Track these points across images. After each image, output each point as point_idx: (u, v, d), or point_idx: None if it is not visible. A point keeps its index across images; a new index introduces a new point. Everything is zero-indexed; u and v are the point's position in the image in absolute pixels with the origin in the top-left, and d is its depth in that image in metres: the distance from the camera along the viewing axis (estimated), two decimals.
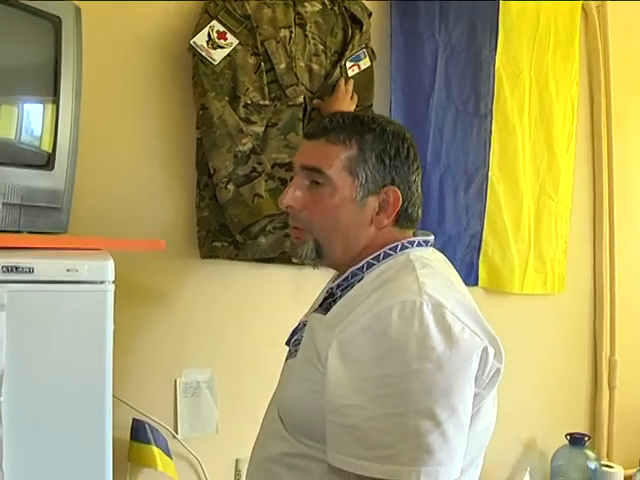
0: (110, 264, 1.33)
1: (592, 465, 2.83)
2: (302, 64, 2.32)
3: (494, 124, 2.80)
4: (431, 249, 1.46)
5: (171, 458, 2.12)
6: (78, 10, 1.55)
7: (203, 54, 2.16)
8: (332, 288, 1.44)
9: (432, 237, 1.47)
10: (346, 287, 1.41)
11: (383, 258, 1.39)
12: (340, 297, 1.40)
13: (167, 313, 2.22)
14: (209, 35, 2.17)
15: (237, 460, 2.32)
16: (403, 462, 1.18)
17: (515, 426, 2.86)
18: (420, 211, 1.46)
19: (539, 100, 2.96)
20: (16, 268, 1.24)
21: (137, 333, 2.14)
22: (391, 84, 2.53)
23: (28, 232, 1.45)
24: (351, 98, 2.38)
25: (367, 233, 1.41)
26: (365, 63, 2.46)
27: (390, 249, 1.39)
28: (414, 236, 1.44)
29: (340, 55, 2.42)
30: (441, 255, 1.49)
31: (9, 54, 1.45)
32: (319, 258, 1.44)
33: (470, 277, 2.76)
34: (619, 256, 3.19)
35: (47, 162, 1.48)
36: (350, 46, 2.42)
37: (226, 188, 2.15)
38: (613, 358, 3.18)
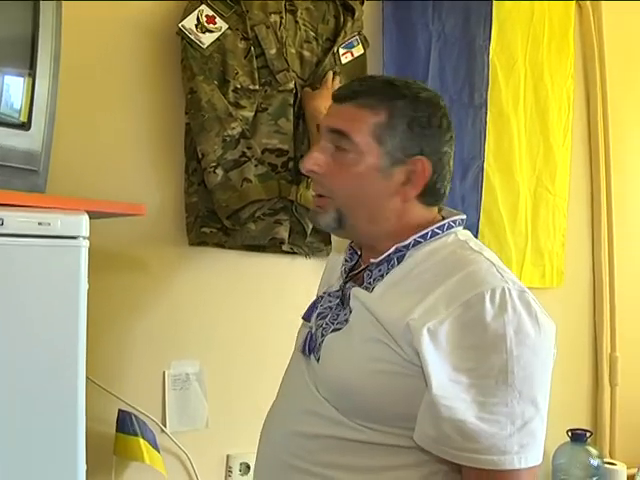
0: (84, 218, 1.28)
1: (595, 462, 2.76)
2: (293, 50, 2.29)
3: (489, 115, 2.76)
4: (467, 230, 1.44)
5: (159, 452, 2.05)
6: None
7: (192, 37, 2.12)
8: (373, 264, 1.37)
9: (465, 216, 1.44)
10: (379, 265, 1.37)
11: (431, 237, 1.35)
12: (380, 271, 1.36)
13: (155, 302, 2.16)
14: (198, 19, 2.14)
15: (228, 456, 2.26)
16: (512, 450, 1.19)
17: None
18: (449, 187, 1.42)
19: (534, 92, 2.93)
20: None
21: (124, 323, 2.09)
22: (384, 73, 2.48)
23: None
24: None
25: (393, 205, 1.36)
26: (358, 50, 2.42)
27: (438, 228, 1.36)
28: (439, 213, 1.43)
29: (332, 42, 2.38)
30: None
31: None
32: (341, 228, 1.39)
33: None
34: (618, 249, 3.15)
35: (24, 122, 1.43)
36: (342, 33, 2.38)
37: (214, 172, 2.11)
38: (614, 354, 3.12)
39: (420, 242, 1.35)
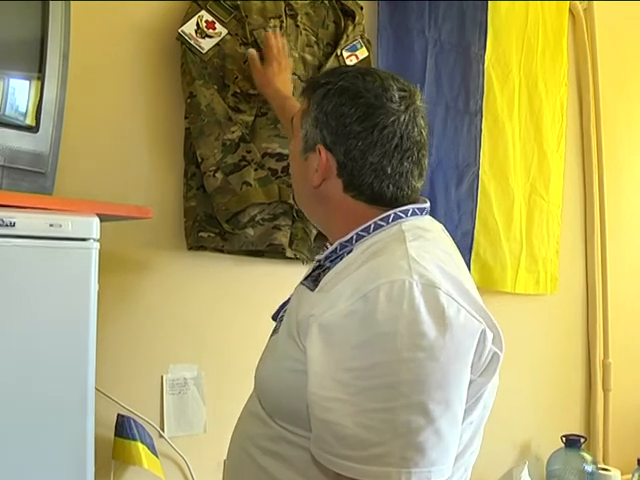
0: (95, 221, 1.28)
1: (589, 468, 2.77)
2: (295, 54, 2.30)
3: (484, 122, 2.78)
4: (428, 217, 1.35)
5: (157, 457, 2.05)
6: None
7: (191, 42, 2.13)
8: (320, 260, 1.36)
9: (428, 204, 1.35)
10: (335, 259, 1.32)
11: (374, 229, 1.30)
12: (329, 269, 1.32)
13: (153, 306, 2.15)
14: (198, 24, 2.14)
15: (225, 461, 2.25)
16: (392, 462, 1.08)
17: (509, 429, 2.81)
18: (391, 187, 1.30)
19: (528, 100, 2.95)
20: None
21: (123, 326, 2.08)
22: None
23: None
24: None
25: (312, 190, 1.35)
26: (362, 53, 2.43)
27: (381, 220, 1.30)
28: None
29: (333, 47, 2.39)
30: (439, 224, 1.39)
31: None
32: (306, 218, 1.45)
33: None
34: (611, 256, 3.17)
35: (32, 124, 1.42)
36: (344, 36, 2.39)
37: (214, 176, 2.11)
38: (607, 360, 3.14)
39: (363, 235, 1.30)
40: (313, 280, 1.34)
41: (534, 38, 2.98)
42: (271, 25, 2.24)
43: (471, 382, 1.16)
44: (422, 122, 1.33)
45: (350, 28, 2.41)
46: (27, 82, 1.49)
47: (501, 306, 2.80)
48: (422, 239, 1.25)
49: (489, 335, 1.17)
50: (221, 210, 2.11)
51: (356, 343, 1.11)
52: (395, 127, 1.28)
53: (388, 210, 1.31)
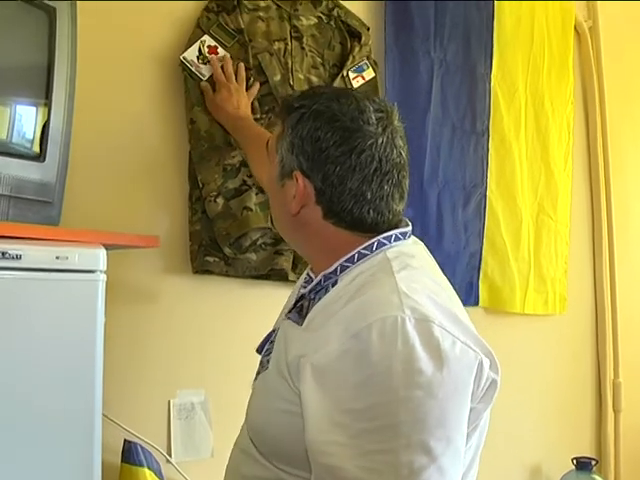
0: (102, 253, 1.27)
1: None
2: (301, 76, 2.28)
3: (491, 142, 2.78)
4: (412, 240, 1.32)
5: None
6: (74, 1, 1.50)
7: (192, 69, 2.12)
8: (304, 293, 1.33)
9: (409, 227, 1.32)
10: (319, 290, 1.29)
11: (358, 259, 1.26)
12: (314, 300, 1.29)
13: (160, 331, 2.13)
14: (200, 50, 2.14)
15: None
16: None
17: (519, 451, 2.80)
18: (371, 212, 1.26)
19: (535, 119, 2.95)
20: (3, 254, 1.17)
21: (129, 351, 2.06)
22: (385, 99, 2.49)
23: None
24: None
25: (290, 219, 1.31)
26: (369, 74, 2.41)
27: (365, 248, 1.26)
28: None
29: (339, 68, 2.38)
30: (422, 246, 1.36)
31: (2, 42, 1.39)
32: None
33: (470, 297, 2.70)
34: (620, 275, 3.16)
35: (39, 153, 1.42)
36: (350, 57, 2.38)
37: (215, 202, 2.10)
38: (617, 380, 3.13)
39: (348, 266, 1.26)
40: (298, 312, 1.32)
41: (540, 57, 2.99)
42: (275, 48, 2.24)
43: (471, 410, 1.15)
44: (401, 142, 1.29)
45: (356, 49, 2.40)
46: (34, 109, 1.49)
47: (509, 326, 2.82)
48: (409, 268, 1.22)
49: (486, 364, 1.15)
50: (222, 235, 2.10)
51: (352, 384, 1.09)
52: (373, 150, 1.25)
53: (370, 236, 1.28)
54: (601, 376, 3.14)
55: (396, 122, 1.30)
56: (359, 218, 1.26)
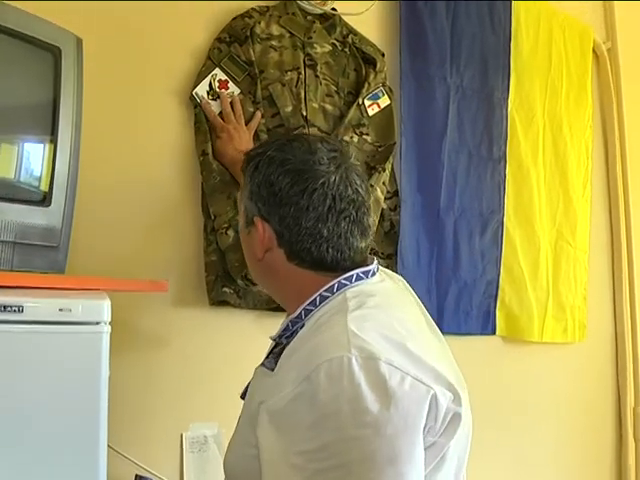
0: (106, 304, 1.24)
1: None
2: (315, 105, 2.27)
3: (508, 168, 2.74)
4: (377, 277, 1.34)
5: None
6: (80, 41, 1.49)
7: (202, 104, 2.13)
8: (275, 338, 1.37)
9: (373, 265, 1.34)
10: (290, 335, 1.31)
11: (320, 302, 1.28)
12: (287, 344, 1.30)
13: (174, 363, 2.12)
14: (210, 85, 2.14)
15: None
16: None
17: None
18: (330, 250, 1.29)
19: (553, 144, 2.91)
20: (4, 307, 1.15)
21: (142, 384, 2.05)
22: (401, 127, 2.46)
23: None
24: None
25: (257, 263, 1.36)
26: (384, 101, 2.40)
27: (326, 290, 1.28)
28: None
29: (354, 96, 2.37)
30: (390, 282, 1.39)
31: (6, 85, 1.39)
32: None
33: (487, 326, 2.66)
34: None
35: (44, 198, 1.41)
36: (366, 85, 2.37)
37: (226, 234, 2.09)
38: (638, 408, 3.07)
39: (311, 310, 1.28)
40: (274, 358, 1.33)
41: (558, 80, 2.95)
42: (287, 78, 2.22)
43: (432, 444, 1.16)
44: (357, 180, 1.32)
45: (372, 76, 2.38)
46: (40, 148, 1.49)
47: (527, 355, 2.79)
48: (364, 307, 1.24)
49: (443, 397, 1.15)
50: (234, 267, 2.09)
51: (305, 426, 1.11)
52: (325, 189, 1.28)
53: (334, 276, 1.30)
54: (621, 404, 3.08)
55: (351, 160, 1.35)
56: (319, 257, 1.30)
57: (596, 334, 3.02)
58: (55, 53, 1.43)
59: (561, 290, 2.88)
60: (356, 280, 1.30)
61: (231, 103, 2.14)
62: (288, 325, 1.32)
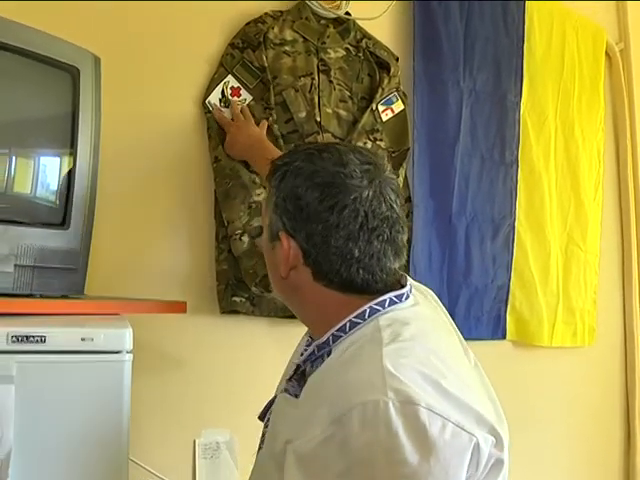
0: (128, 332, 1.24)
1: None
2: (329, 110, 2.26)
3: (520, 172, 2.74)
4: (410, 301, 1.24)
5: None
6: (97, 60, 1.49)
7: (214, 111, 2.14)
8: (300, 363, 1.29)
9: (406, 288, 1.24)
10: (316, 359, 1.25)
11: (350, 328, 1.19)
12: (312, 368, 1.25)
13: (186, 371, 2.13)
14: (223, 92, 2.15)
15: None
16: None
17: None
18: (361, 272, 1.20)
19: (565, 147, 2.90)
20: (27, 337, 1.15)
21: (154, 391, 2.06)
22: (414, 131, 2.45)
23: (41, 296, 1.37)
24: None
25: (285, 283, 1.26)
26: (398, 106, 2.40)
27: (357, 317, 1.19)
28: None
29: (368, 101, 2.36)
30: (423, 306, 1.28)
31: (26, 106, 1.40)
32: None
33: (498, 330, 2.66)
34: None
35: (62, 221, 1.40)
36: (380, 90, 2.36)
37: (240, 240, 2.09)
38: None
39: (340, 336, 1.20)
40: (297, 380, 1.28)
41: (570, 82, 2.94)
42: (300, 84, 2.22)
43: None
44: (392, 195, 1.22)
45: (385, 81, 2.38)
46: (58, 167, 1.48)
47: (537, 359, 2.79)
48: (399, 339, 1.14)
49: (485, 444, 1.07)
50: (249, 274, 2.09)
51: (335, 472, 1.04)
52: (357, 205, 1.18)
53: (363, 298, 1.21)
54: (630, 408, 3.08)
55: (386, 173, 1.24)
56: (348, 279, 1.21)
57: (605, 338, 3.02)
58: (73, 74, 1.43)
59: (571, 294, 2.88)
60: (389, 305, 1.20)
61: (241, 110, 2.14)
62: (314, 350, 1.24)
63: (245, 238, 2.09)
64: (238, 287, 2.14)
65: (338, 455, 1.03)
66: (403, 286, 1.25)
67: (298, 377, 1.29)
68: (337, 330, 1.20)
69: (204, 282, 2.16)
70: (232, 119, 2.13)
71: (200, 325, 2.15)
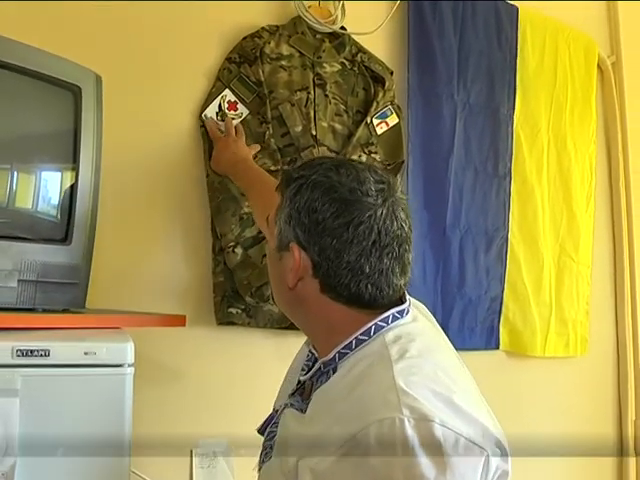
0: (129, 346, 1.28)
1: None
2: (325, 124, 2.29)
3: (513, 184, 2.76)
4: (410, 317, 1.27)
5: None
6: (99, 79, 1.52)
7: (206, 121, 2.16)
8: (305, 380, 1.31)
9: (406, 304, 1.27)
10: (321, 376, 1.27)
11: (356, 346, 1.22)
12: (316, 384, 1.27)
13: (183, 382, 2.15)
14: (220, 106, 2.17)
15: None
16: None
17: None
18: (369, 287, 1.23)
19: (557, 159, 2.92)
20: (31, 351, 1.18)
21: (152, 403, 2.07)
22: (409, 144, 2.48)
23: (43, 310, 1.40)
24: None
25: (291, 295, 1.27)
26: (393, 120, 2.42)
27: (363, 334, 1.22)
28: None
29: (362, 114, 2.39)
30: (421, 321, 1.31)
31: (30, 123, 1.42)
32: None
33: (491, 341, 2.69)
34: None
35: (65, 236, 1.43)
36: (374, 103, 2.38)
37: (234, 252, 2.12)
38: (639, 422, 3.09)
39: (346, 353, 1.22)
40: (300, 395, 1.31)
41: (563, 96, 2.96)
42: (296, 98, 2.25)
43: None
44: (402, 215, 1.24)
45: (380, 95, 2.40)
46: (59, 183, 1.50)
47: (530, 369, 2.81)
48: (407, 356, 1.18)
49: (494, 458, 1.11)
50: (243, 285, 2.12)
51: None
52: (372, 222, 1.20)
53: (368, 313, 1.24)
54: (622, 418, 3.11)
55: (398, 193, 1.26)
56: (357, 293, 1.23)
57: (598, 348, 3.04)
58: (75, 92, 1.46)
59: (564, 305, 2.90)
60: (392, 321, 1.24)
61: (235, 126, 2.16)
62: (320, 367, 1.26)
63: (238, 250, 2.12)
64: (234, 299, 2.16)
65: (355, 472, 1.06)
66: (403, 302, 1.28)
67: (301, 392, 1.31)
68: (343, 348, 1.23)
69: (201, 294, 2.18)
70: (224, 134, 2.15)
71: (198, 337, 2.17)
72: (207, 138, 2.15)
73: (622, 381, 3.12)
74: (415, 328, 1.26)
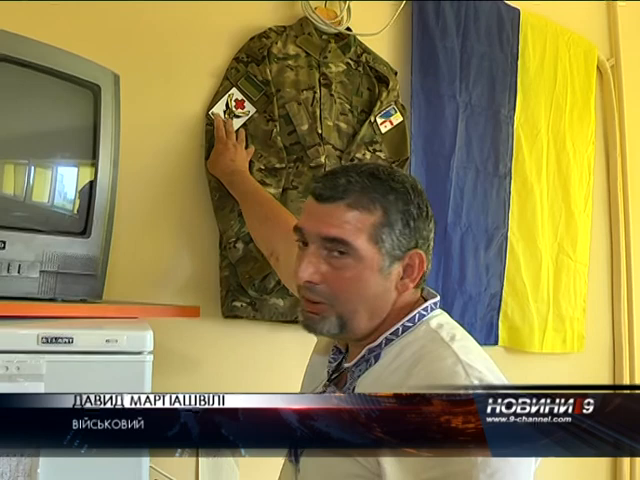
0: (149, 334, 1.33)
1: None
2: (330, 123, 2.33)
3: (513, 184, 2.81)
4: (439, 309, 1.35)
5: None
6: (117, 78, 1.57)
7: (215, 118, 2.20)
8: (348, 368, 1.32)
9: (438, 297, 1.36)
10: (361, 364, 1.30)
11: (402, 332, 1.28)
12: (355, 373, 1.30)
13: (188, 374, 2.20)
14: (227, 104, 2.21)
15: None
16: None
17: None
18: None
19: (557, 160, 2.97)
20: (56, 339, 1.23)
21: (162, 390, 2.11)
22: (411, 144, 2.53)
23: (63, 300, 1.45)
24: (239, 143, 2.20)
25: (391, 298, 1.30)
26: (397, 118, 2.47)
27: (409, 321, 1.29)
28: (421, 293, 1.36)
29: (367, 114, 2.43)
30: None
31: (51, 121, 1.47)
32: (342, 333, 1.29)
33: (490, 337, 2.74)
34: (637, 314, 3.16)
35: (84, 229, 1.48)
36: (378, 103, 2.43)
37: (235, 247, 2.16)
38: None
39: (392, 339, 1.28)
40: (336, 385, 1.33)
41: (562, 97, 3.01)
42: (303, 97, 2.29)
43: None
44: None
45: (384, 94, 2.44)
46: (76, 179, 1.55)
47: (528, 364, 2.84)
48: (457, 338, 1.25)
49: None
50: (245, 279, 2.16)
51: (432, 461, 1.09)
52: (431, 214, 1.34)
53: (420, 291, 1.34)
54: None
55: None
56: (428, 275, 1.34)
57: (594, 345, 3.08)
58: (95, 90, 1.50)
59: (561, 302, 2.95)
60: (430, 311, 1.32)
61: (238, 131, 2.20)
62: (364, 354, 1.29)
63: (239, 245, 2.16)
64: (239, 292, 2.20)
65: None
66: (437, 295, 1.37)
67: (335, 382, 1.35)
68: (390, 334, 1.29)
69: (210, 288, 2.23)
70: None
71: (204, 329, 2.20)
72: (210, 137, 2.19)
73: (617, 377, 3.15)
74: (448, 318, 1.35)
